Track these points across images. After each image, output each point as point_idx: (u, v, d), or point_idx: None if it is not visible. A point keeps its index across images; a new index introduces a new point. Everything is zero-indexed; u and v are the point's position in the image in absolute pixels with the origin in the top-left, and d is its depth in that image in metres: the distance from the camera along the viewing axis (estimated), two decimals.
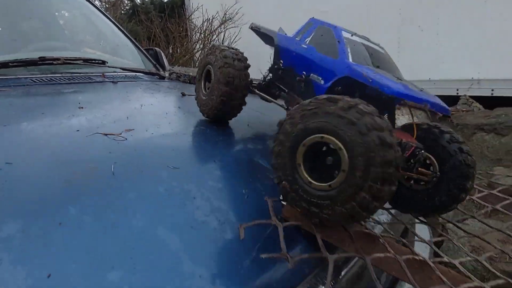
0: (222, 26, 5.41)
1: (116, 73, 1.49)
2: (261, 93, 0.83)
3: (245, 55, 0.80)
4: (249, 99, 0.79)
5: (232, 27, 5.51)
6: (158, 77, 1.72)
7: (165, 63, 2.02)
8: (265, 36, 0.86)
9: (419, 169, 0.62)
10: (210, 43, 5.38)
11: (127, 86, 1.22)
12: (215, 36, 5.29)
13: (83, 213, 0.41)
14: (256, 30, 0.88)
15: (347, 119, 0.45)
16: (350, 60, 0.64)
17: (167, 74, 1.82)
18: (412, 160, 0.61)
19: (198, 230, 0.45)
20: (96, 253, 0.37)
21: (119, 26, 2.02)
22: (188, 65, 5.00)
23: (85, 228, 0.40)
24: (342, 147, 0.45)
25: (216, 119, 0.81)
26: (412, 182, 0.66)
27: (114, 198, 0.45)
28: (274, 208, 0.50)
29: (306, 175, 0.49)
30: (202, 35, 5.27)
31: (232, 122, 0.82)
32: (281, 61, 0.79)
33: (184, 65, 4.94)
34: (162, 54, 2.03)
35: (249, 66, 0.81)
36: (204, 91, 0.84)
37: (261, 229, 0.48)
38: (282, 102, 0.80)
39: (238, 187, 0.56)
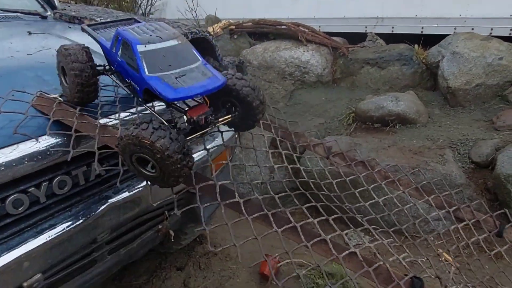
0: None
1: None
2: (113, 78, 0.99)
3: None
4: None
5: None
6: (39, 16, 1.98)
7: (56, 2, 2.24)
8: None
9: (222, 118, 0.89)
10: None
11: None
12: None
13: None
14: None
15: (150, 149, 0.72)
16: (146, 73, 0.78)
17: (51, 14, 2.06)
18: (209, 120, 0.84)
19: None
20: None
21: None
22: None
23: None
24: (152, 160, 0.74)
25: (79, 104, 0.98)
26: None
27: None
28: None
29: (141, 169, 0.78)
30: None
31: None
32: (113, 67, 0.94)
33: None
34: None
35: (92, 58, 0.97)
36: (65, 83, 1.00)
37: None
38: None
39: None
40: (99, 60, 1.02)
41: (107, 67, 0.98)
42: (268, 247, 2.30)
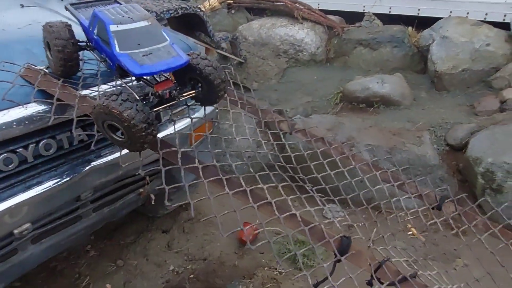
0: None
1: None
2: (93, 53, 1.12)
3: None
4: None
5: None
6: None
7: None
8: None
9: (186, 93, 1.00)
10: None
11: None
12: None
13: None
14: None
15: (118, 118, 0.83)
16: (117, 50, 0.88)
17: None
18: (173, 94, 0.96)
19: None
20: None
21: None
22: None
23: None
24: (121, 127, 0.86)
25: (62, 76, 1.08)
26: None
27: None
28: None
29: (112, 134, 0.90)
30: None
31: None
32: (90, 43, 1.05)
33: None
34: None
35: (73, 35, 1.06)
36: (50, 56, 1.09)
37: None
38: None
39: None
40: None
41: (88, 43, 1.08)
42: (249, 216, 2.47)
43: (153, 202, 1.66)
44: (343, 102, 3.20)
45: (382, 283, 0.87)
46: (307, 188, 1.12)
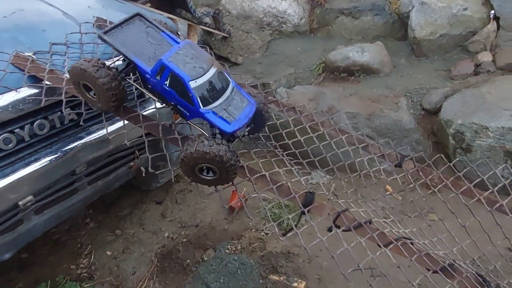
0: None
1: None
2: (129, 80, 1.04)
3: None
4: None
5: None
6: None
7: None
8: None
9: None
10: None
11: None
12: None
13: None
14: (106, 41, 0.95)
15: (218, 162, 0.88)
16: (201, 107, 0.89)
17: None
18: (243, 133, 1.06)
19: None
20: None
21: None
22: None
23: None
24: (215, 168, 0.91)
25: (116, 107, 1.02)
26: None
27: None
28: None
29: (200, 175, 0.95)
30: None
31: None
32: (149, 85, 0.97)
33: None
34: None
35: (110, 68, 0.96)
36: (92, 97, 1.00)
37: None
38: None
39: None
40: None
41: (118, 66, 1.00)
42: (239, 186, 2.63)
43: (143, 175, 1.81)
44: (326, 72, 3.30)
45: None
46: (278, 153, 1.26)
